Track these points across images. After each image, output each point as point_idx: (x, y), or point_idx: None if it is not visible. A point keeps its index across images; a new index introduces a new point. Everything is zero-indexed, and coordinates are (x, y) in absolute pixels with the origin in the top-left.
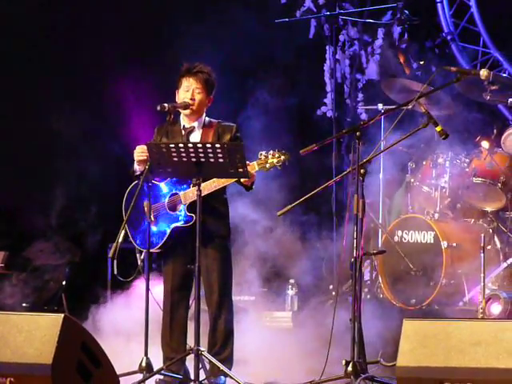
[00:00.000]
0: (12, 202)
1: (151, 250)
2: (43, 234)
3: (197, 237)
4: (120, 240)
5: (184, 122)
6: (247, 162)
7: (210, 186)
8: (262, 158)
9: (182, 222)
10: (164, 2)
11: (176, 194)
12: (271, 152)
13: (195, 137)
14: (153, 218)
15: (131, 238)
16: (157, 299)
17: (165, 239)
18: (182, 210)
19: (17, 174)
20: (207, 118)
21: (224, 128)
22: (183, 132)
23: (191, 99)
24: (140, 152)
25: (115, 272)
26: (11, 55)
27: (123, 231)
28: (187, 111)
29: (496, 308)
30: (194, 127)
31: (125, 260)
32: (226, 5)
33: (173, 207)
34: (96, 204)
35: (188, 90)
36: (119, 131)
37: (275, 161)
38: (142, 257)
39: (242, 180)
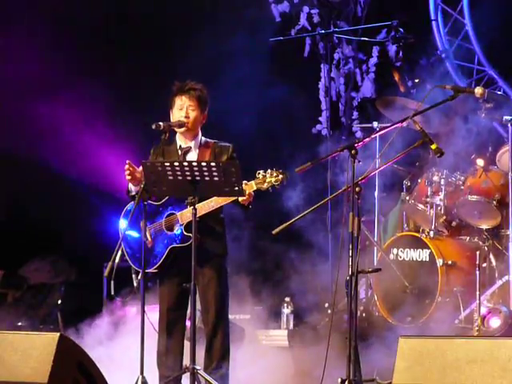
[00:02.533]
0: (9, 221)
1: (149, 270)
2: (39, 252)
3: (192, 255)
4: (116, 260)
5: (180, 141)
6: (245, 182)
7: (207, 206)
8: (260, 177)
9: (180, 242)
10: (162, 28)
11: (173, 213)
12: (269, 171)
13: (192, 157)
14: (150, 238)
15: (128, 258)
16: (151, 320)
17: (162, 259)
18: (179, 230)
19: (13, 190)
20: (203, 138)
21: (221, 148)
22: (180, 152)
23: (186, 117)
24: (126, 170)
25: (112, 292)
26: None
27: (119, 251)
28: (182, 129)
29: (495, 322)
30: (191, 147)
31: (120, 279)
32: (223, 24)
33: (170, 227)
34: (92, 223)
35: (182, 109)
36: (116, 147)
37: (273, 180)
38: (139, 277)
39: (239, 200)
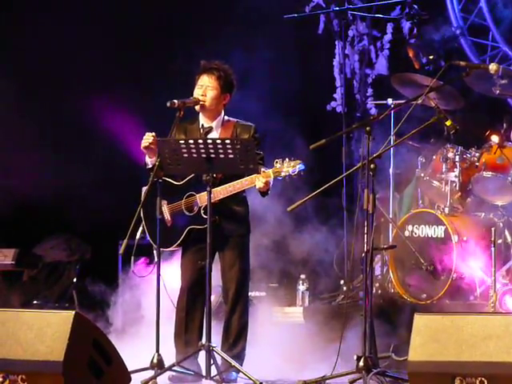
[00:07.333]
0: (23, 199)
1: (168, 249)
2: (54, 230)
3: (207, 234)
4: (137, 237)
5: (202, 120)
6: (263, 169)
7: (225, 190)
8: (278, 166)
9: (198, 224)
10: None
11: (193, 194)
12: (287, 160)
13: (213, 136)
14: (169, 218)
15: (148, 236)
16: (168, 294)
17: (181, 239)
18: (198, 212)
19: (27, 170)
20: (226, 117)
21: (242, 127)
22: (201, 131)
23: (202, 95)
24: (145, 138)
25: (132, 269)
26: None
27: (141, 228)
28: (200, 108)
29: None
30: (212, 127)
31: (139, 256)
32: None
33: (190, 208)
34: (107, 201)
35: (201, 88)
36: (131, 121)
37: (290, 170)
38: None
39: (257, 187)
